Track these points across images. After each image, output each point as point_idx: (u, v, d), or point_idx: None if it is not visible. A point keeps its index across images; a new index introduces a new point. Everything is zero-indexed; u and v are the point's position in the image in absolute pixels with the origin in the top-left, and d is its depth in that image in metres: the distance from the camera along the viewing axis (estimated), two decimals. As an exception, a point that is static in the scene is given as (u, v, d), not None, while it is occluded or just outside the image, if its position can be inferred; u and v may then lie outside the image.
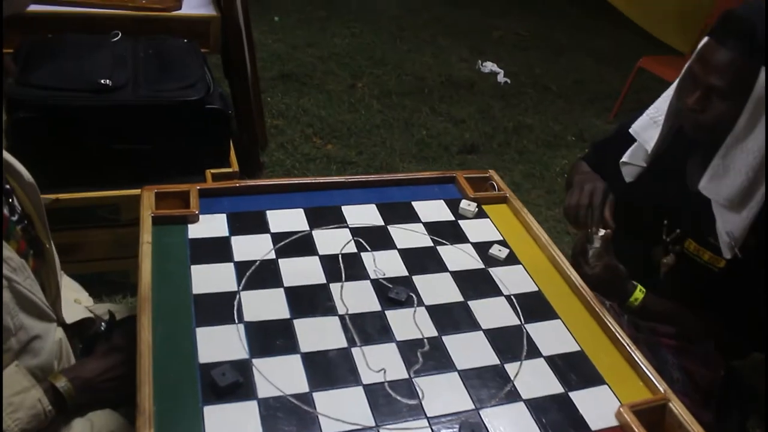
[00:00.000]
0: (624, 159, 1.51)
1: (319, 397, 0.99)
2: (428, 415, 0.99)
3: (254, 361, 1.04)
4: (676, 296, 1.45)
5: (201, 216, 1.34)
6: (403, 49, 4.54)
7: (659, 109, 1.44)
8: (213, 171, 2.21)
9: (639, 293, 1.40)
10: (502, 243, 1.38)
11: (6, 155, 1.10)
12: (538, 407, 1.03)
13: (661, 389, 1.09)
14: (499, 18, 5.39)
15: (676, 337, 1.50)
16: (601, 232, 1.36)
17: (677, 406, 1.06)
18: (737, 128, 1.25)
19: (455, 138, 3.51)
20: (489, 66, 4.36)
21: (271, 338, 1.08)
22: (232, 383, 0.98)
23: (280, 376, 1.02)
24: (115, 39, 2.29)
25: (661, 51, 4.47)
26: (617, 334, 1.18)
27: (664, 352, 1.47)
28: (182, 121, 2.15)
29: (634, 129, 1.48)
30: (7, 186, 1.08)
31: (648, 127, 1.45)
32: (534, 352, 1.14)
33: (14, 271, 1.00)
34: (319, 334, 1.11)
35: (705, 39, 1.28)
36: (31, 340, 1.05)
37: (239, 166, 2.33)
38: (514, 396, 1.05)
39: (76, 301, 1.33)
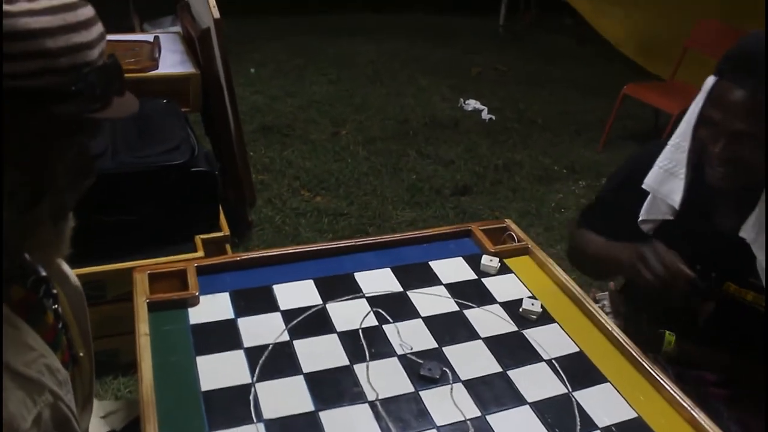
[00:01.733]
0: (643, 216, 1.40)
1: (360, 506, 0.86)
2: None
3: (281, 468, 0.91)
4: (721, 342, 1.35)
5: (201, 297, 1.22)
6: (383, 93, 4.47)
7: (672, 159, 1.33)
8: (203, 237, 2.10)
9: (670, 336, 1.30)
10: (533, 298, 1.27)
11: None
12: (606, 493, 0.91)
13: (735, 457, 0.97)
14: (475, 54, 5.37)
15: (725, 384, 1.39)
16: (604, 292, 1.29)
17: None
18: None
19: (446, 180, 3.41)
20: (472, 104, 4.31)
21: (297, 437, 0.95)
22: (259, 500, 0.85)
23: (313, 484, 0.89)
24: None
25: (642, 77, 4.45)
26: (676, 396, 1.07)
27: (716, 402, 1.36)
28: (168, 186, 2.04)
29: (649, 184, 1.37)
30: (54, 291, 0.97)
31: (665, 181, 1.35)
32: (588, 424, 1.02)
33: (60, 385, 0.87)
34: (349, 427, 0.98)
35: (713, 80, 1.19)
36: None
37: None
38: (577, 482, 0.92)
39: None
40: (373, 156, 3.62)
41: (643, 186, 1.37)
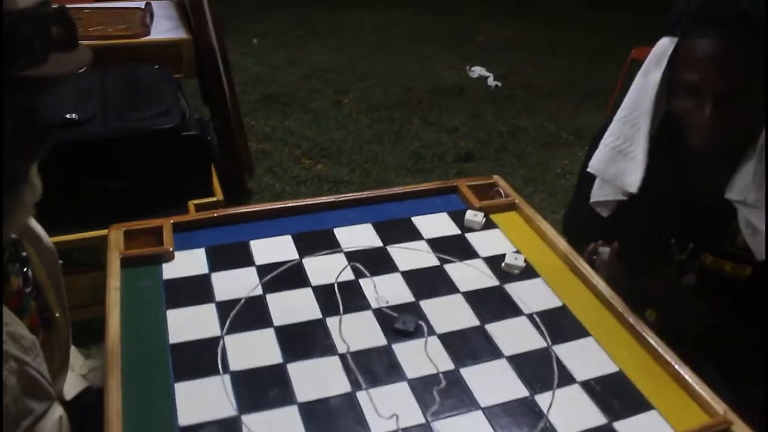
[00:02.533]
0: (594, 199, 1.31)
1: (322, 457, 0.84)
2: (453, 468, 0.83)
3: (244, 418, 0.88)
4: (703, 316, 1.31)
5: (176, 253, 1.19)
6: (386, 62, 4.41)
7: (620, 136, 1.22)
8: (196, 202, 2.07)
9: (652, 311, 1.26)
10: (517, 253, 1.23)
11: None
12: (580, 445, 0.88)
13: (719, 410, 0.93)
14: (480, 22, 5.28)
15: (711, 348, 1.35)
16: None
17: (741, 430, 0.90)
18: None
19: (449, 147, 3.37)
20: (477, 71, 4.24)
21: (263, 389, 0.93)
22: (218, 450, 0.83)
23: (275, 434, 0.86)
24: (80, 71, 2.15)
25: (650, 41, 4.34)
26: (660, 350, 1.03)
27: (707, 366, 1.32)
28: (158, 151, 2.00)
29: (595, 167, 1.26)
30: (24, 253, 0.95)
31: (613, 161, 1.23)
32: (567, 378, 0.99)
33: (26, 351, 0.86)
34: (317, 379, 0.95)
35: (670, 42, 1.10)
36: (33, 423, 0.90)
37: (226, 195, 2.18)
38: (550, 434, 0.89)
39: (71, 368, 1.18)
40: (375, 124, 3.58)
41: (589, 169, 1.28)
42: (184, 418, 0.88)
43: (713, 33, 1.03)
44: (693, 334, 1.33)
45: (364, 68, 4.26)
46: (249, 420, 0.88)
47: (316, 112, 3.67)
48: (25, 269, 0.95)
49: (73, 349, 1.25)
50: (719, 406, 0.94)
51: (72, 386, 1.13)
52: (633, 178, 1.20)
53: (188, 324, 1.04)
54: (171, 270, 1.16)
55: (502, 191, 1.41)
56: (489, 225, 1.33)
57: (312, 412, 0.90)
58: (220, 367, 0.96)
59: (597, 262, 1.32)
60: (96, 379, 1.24)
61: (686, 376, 0.99)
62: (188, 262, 1.18)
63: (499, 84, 4.12)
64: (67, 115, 1.88)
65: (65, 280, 2.09)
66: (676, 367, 1.00)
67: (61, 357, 1.07)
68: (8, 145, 0.75)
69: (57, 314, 1.05)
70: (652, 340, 1.05)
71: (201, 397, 0.91)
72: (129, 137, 1.95)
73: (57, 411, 0.99)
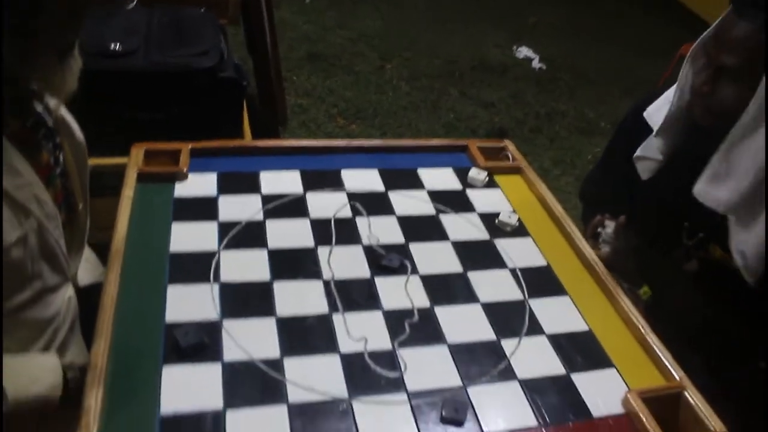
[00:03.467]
0: (638, 153, 1.34)
1: (290, 363, 0.90)
2: (409, 390, 0.89)
3: (224, 322, 0.95)
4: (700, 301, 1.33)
5: (190, 175, 1.27)
6: (435, 33, 4.42)
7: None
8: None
9: (647, 289, 1.29)
10: (513, 212, 1.27)
11: (65, 112, 1.11)
12: (534, 388, 0.93)
13: (676, 377, 0.97)
14: (535, 4, 5.22)
15: (703, 332, 1.37)
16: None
17: (694, 396, 0.94)
18: (745, 117, 1.05)
19: (484, 122, 3.39)
20: (524, 51, 4.22)
21: (247, 300, 1.00)
22: (195, 344, 0.90)
23: (251, 339, 0.93)
24: (130, 6, 2.24)
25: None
26: (631, 315, 1.07)
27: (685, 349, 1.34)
28: (194, 89, 2.07)
29: (649, 111, 1.31)
30: (58, 140, 1.06)
31: (662, 107, 1.27)
32: (536, 329, 1.03)
33: (47, 217, 0.95)
34: (299, 298, 1.01)
35: (726, 11, 1.12)
36: (44, 291, 0.99)
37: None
38: (508, 374, 0.94)
39: (86, 261, 1.27)
40: (414, 91, 3.61)
41: (644, 114, 1.32)
42: (172, 315, 0.95)
43: (742, 11, 1.05)
44: (685, 319, 1.36)
45: (412, 37, 4.28)
46: (229, 324, 0.95)
47: (358, 74, 3.71)
48: (57, 152, 1.04)
49: (92, 255, 1.33)
50: (677, 373, 0.98)
51: (87, 276, 1.21)
52: (662, 119, 1.24)
53: (190, 237, 1.11)
54: (182, 189, 1.23)
55: (510, 155, 1.44)
56: (491, 185, 1.37)
57: (288, 325, 0.96)
58: (211, 276, 1.03)
59: (602, 235, 1.36)
60: None
61: (652, 343, 1.03)
62: (199, 184, 1.25)
63: (544, 67, 4.10)
64: (112, 46, 1.96)
65: (95, 202, 2.20)
66: (644, 332, 1.04)
67: (79, 243, 1.16)
68: (60, 17, 0.84)
69: (80, 205, 1.14)
70: (626, 305, 1.08)
71: (189, 300, 0.98)
72: (167, 72, 2.02)
73: (68, 291, 1.08)
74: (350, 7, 4.62)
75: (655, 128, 1.28)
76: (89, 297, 1.18)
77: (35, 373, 0.93)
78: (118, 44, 1.97)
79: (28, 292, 0.95)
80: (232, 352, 0.90)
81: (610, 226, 1.35)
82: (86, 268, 1.25)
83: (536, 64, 4.11)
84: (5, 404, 0.88)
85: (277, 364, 0.90)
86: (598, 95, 3.89)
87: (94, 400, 0.81)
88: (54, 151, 1.04)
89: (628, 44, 4.68)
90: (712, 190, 1.12)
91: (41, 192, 0.95)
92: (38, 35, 0.84)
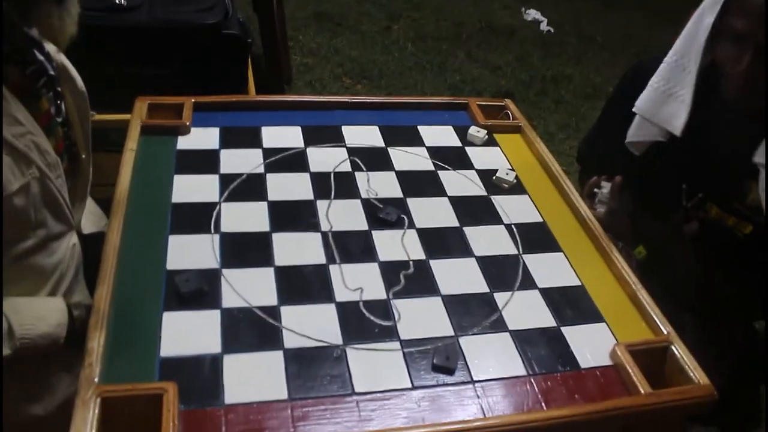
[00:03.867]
0: (630, 138, 1.34)
1: (286, 311, 0.93)
2: (402, 338, 0.92)
3: (224, 271, 0.98)
4: (698, 264, 1.35)
5: (193, 129, 1.28)
6: (443, -6, 4.38)
7: (671, 79, 1.24)
8: (228, 98, 2.16)
9: (642, 249, 1.31)
10: (511, 170, 1.29)
11: (65, 59, 1.11)
12: (524, 339, 0.95)
13: (664, 331, 0.99)
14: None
15: (695, 288, 1.39)
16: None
17: (680, 350, 0.96)
18: None
19: (489, 84, 3.38)
20: (532, 14, 4.18)
21: (246, 250, 1.02)
22: (195, 290, 0.92)
23: (249, 287, 0.95)
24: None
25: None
26: (624, 272, 1.09)
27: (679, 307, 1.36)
28: (198, 45, 2.08)
29: (642, 108, 1.29)
30: (59, 88, 1.07)
31: (664, 103, 1.25)
32: (529, 283, 1.06)
33: (48, 166, 0.97)
34: (297, 249, 1.04)
35: None
36: (48, 239, 1.01)
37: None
38: (499, 326, 0.97)
39: (90, 213, 1.29)
40: (420, 53, 3.59)
41: (635, 110, 1.30)
42: (173, 263, 0.98)
43: None
44: (680, 278, 1.38)
45: (420, -2, 4.25)
46: (228, 273, 0.97)
47: (364, 34, 3.70)
48: (58, 101, 1.05)
49: (97, 208, 1.36)
50: (666, 327, 1.00)
51: (91, 224, 1.24)
52: (679, 121, 1.23)
53: (191, 189, 1.13)
54: (185, 142, 1.25)
55: (510, 114, 1.45)
56: (491, 143, 1.38)
57: (285, 275, 0.99)
58: (212, 227, 1.05)
59: (598, 195, 1.37)
60: None
61: (642, 299, 1.04)
62: (202, 138, 1.26)
63: (552, 30, 4.07)
64: (117, 1, 1.96)
65: (100, 157, 2.22)
66: (635, 288, 1.06)
67: (82, 191, 1.18)
68: None
69: (83, 155, 1.16)
70: (619, 262, 1.10)
71: (190, 249, 1.01)
72: (171, 28, 2.02)
73: (72, 238, 1.10)
74: (357, -34, 4.58)
75: (671, 128, 1.24)
76: (93, 245, 1.21)
77: (41, 312, 0.96)
78: (122, 0, 1.97)
79: (32, 240, 0.98)
80: (230, 299, 0.93)
81: (606, 187, 1.37)
82: (90, 220, 1.27)
83: (544, 27, 4.07)
84: (12, 343, 0.91)
85: (274, 311, 0.92)
86: (606, 60, 3.86)
87: (96, 343, 0.83)
88: (55, 100, 1.05)
89: (639, 11, 4.62)
90: None
91: (42, 141, 0.96)
92: None
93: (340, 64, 3.37)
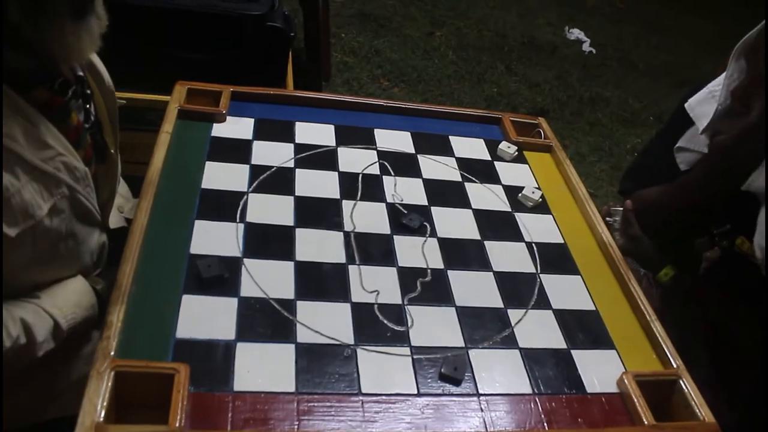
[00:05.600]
0: (681, 144, 1.34)
1: (302, 306, 0.94)
2: (412, 344, 0.93)
3: (245, 260, 0.99)
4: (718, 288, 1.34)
5: (229, 117, 1.31)
6: (488, 5, 4.38)
7: (719, 82, 1.24)
8: (267, 90, 2.18)
9: (669, 269, 1.30)
10: (537, 188, 1.29)
11: (93, 55, 1.07)
12: (533, 358, 0.96)
13: (674, 364, 0.99)
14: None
15: (711, 326, 1.38)
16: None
17: (688, 385, 0.96)
18: None
19: (526, 99, 3.37)
20: (576, 33, 4.17)
21: (269, 242, 1.04)
22: (216, 276, 0.94)
23: (268, 279, 0.97)
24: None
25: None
26: (639, 301, 1.09)
27: (695, 338, 1.36)
28: (241, 34, 2.11)
29: (690, 104, 1.29)
30: (88, 91, 1.05)
31: (704, 101, 1.26)
32: (543, 302, 1.06)
33: (77, 180, 0.97)
34: (318, 246, 1.05)
35: None
36: (79, 244, 1.03)
37: (297, 93, 2.29)
38: (509, 342, 0.97)
39: (119, 209, 1.31)
40: (461, 62, 3.60)
41: (685, 105, 1.32)
42: (196, 247, 1.00)
43: None
44: (698, 308, 1.37)
45: (465, 7, 4.25)
46: (249, 263, 0.99)
47: (407, 38, 3.71)
48: (87, 105, 1.06)
49: (125, 189, 1.38)
50: (676, 361, 1.00)
51: (118, 219, 1.26)
52: (706, 120, 1.23)
53: (221, 176, 1.15)
54: (220, 130, 1.27)
55: (542, 133, 1.45)
56: (520, 160, 1.39)
57: (305, 270, 1.00)
58: (238, 216, 1.07)
59: (613, 224, 1.38)
60: None
61: (656, 330, 1.04)
62: (237, 127, 1.29)
63: (594, 51, 4.05)
64: (165, -17, 2.00)
65: (136, 136, 2.25)
66: (649, 318, 1.06)
67: (110, 189, 1.19)
68: None
69: (112, 150, 1.17)
70: (635, 291, 1.10)
71: (214, 236, 1.03)
72: (216, 14, 2.06)
73: (101, 236, 1.12)
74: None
75: (698, 122, 1.27)
76: (120, 240, 1.23)
77: (74, 298, 0.98)
78: (170, -17, 2.01)
79: (63, 251, 0.98)
80: (249, 289, 0.95)
81: (617, 213, 1.37)
82: (118, 203, 1.28)
83: (586, 47, 4.06)
84: (60, 335, 0.94)
85: (290, 305, 0.94)
86: (645, 86, 3.84)
87: (116, 317, 0.86)
88: (84, 105, 1.03)
89: (685, 39, 4.58)
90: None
91: (71, 159, 0.95)
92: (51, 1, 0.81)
93: (380, 65, 3.39)
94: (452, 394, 0.88)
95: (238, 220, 1.07)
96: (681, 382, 0.96)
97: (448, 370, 0.90)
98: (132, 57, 2.01)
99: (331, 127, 1.34)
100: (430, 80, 3.36)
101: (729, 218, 1.30)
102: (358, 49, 3.49)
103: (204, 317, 0.90)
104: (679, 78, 4.00)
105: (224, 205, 1.09)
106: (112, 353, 0.80)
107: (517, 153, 1.38)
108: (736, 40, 1.25)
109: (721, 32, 4.71)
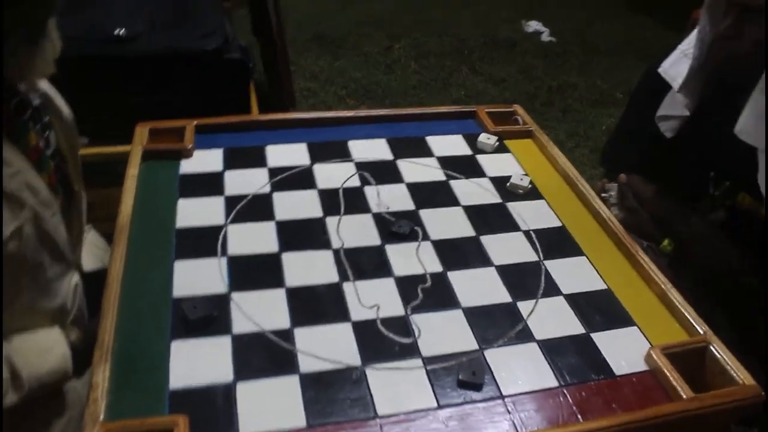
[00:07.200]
0: (661, 112, 1.33)
1: (300, 333, 0.88)
2: (423, 355, 0.87)
3: (233, 294, 0.93)
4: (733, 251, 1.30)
5: (196, 151, 1.25)
6: (442, 12, 4.38)
7: (690, 41, 1.25)
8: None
9: (668, 243, 1.26)
10: (524, 175, 1.24)
11: (49, 88, 1.07)
12: (553, 349, 0.90)
13: (700, 331, 0.94)
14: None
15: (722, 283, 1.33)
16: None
17: (719, 350, 0.91)
18: None
19: (494, 97, 3.34)
20: (533, 25, 4.16)
21: (255, 272, 0.97)
22: (203, 317, 0.88)
23: (260, 311, 0.91)
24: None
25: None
26: (651, 272, 1.04)
27: (712, 303, 1.31)
28: (200, 71, 2.06)
29: (663, 67, 1.29)
30: (46, 119, 1.02)
31: (677, 62, 1.26)
32: (553, 289, 1.00)
33: (42, 204, 0.92)
34: (308, 268, 0.99)
35: None
36: (49, 281, 0.97)
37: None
38: (525, 336, 0.91)
39: (94, 246, 1.25)
40: (424, 70, 3.57)
41: (659, 70, 1.30)
42: (179, 289, 0.93)
43: None
44: (711, 270, 1.33)
45: (420, 17, 4.23)
46: (238, 297, 0.93)
47: (366, 55, 3.68)
48: (45, 133, 1.01)
49: (104, 244, 1.31)
50: (701, 327, 0.94)
51: (96, 259, 1.20)
52: (681, 78, 1.23)
53: (196, 212, 1.09)
54: (188, 165, 1.21)
55: (520, 119, 1.41)
56: (502, 149, 1.34)
57: (298, 296, 0.94)
58: (219, 250, 1.01)
59: (608, 199, 1.34)
60: None
61: (673, 298, 0.99)
62: (205, 160, 1.23)
63: (554, 40, 4.04)
64: (116, 31, 1.95)
65: (107, 192, 2.19)
66: (664, 288, 1.01)
67: (79, 227, 1.14)
68: None
69: (76, 188, 1.12)
70: (645, 262, 1.05)
71: (197, 275, 0.96)
72: (172, 56, 2.00)
73: (74, 278, 1.06)
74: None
75: (674, 83, 1.25)
76: (97, 283, 1.17)
77: (42, 345, 0.91)
78: (122, 29, 1.96)
79: (30, 284, 0.93)
80: (241, 324, 0.89)
81: (612, 188, 1.33)
82: (95, 255, 1.23)
83: (546, 37, 4.05)
84: (20, 385, 0.87)
85: (287, 335, 0.88)
86: (610, 66, 3.83)
87: (101, 377, 0.79)
88: (42, 132, 1.00)
89: (637, 14, 4.59)
90: (755, 128, 1.09)
91: (33, 179, 0.91)
92: (4, 20, 0.80)
93: (344, 85, 3.35)
94: (475, 401, 0.82)
95: (219, 255, 1.00)
96: (711, 347, 0.91)
97: (466, 375, 0.84)
98: (90, 109, 1.95)
99: (304, 146, 1.29)
100: (396, 93, 3.32)
101: (727, 176, 1.27)
102: (319, 73, 3.45)
103: (197, 362, 0.83)
104: (641, 53, 4.00)
105: (203, 242, 1.03)
106: (101, 417, 0.74)
107: (497, 143, 1.33)
108: (687, 7, 1.24)
109: (670, 5, 4.73)
